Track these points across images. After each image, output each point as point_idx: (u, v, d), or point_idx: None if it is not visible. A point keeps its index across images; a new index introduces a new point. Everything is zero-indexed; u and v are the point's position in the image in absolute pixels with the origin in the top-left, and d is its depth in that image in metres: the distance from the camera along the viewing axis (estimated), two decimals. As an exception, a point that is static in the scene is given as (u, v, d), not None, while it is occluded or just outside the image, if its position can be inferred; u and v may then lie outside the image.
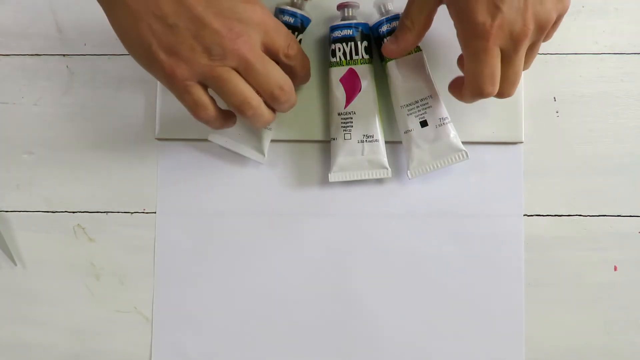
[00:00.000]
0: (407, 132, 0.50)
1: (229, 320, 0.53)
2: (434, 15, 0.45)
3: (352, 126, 0.50)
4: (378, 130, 0.50)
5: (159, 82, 0.54)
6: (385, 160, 0.51)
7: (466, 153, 0.50)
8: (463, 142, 0.52)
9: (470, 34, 0.41)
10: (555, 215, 0.54)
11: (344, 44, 0.50)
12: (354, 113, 0.50)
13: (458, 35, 0.43)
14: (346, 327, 0.53)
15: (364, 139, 0.50)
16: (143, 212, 0.54)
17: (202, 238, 0.54)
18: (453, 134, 0.50)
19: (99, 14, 0.55)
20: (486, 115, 0.53)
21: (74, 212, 0.54)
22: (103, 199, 0.54)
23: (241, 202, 0.54)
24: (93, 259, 0.54)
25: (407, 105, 0.50)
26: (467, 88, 0.44)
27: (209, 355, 0.53)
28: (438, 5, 0.44)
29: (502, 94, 0.44)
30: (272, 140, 0.54)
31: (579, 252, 0.53)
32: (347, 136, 0.50)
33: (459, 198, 0.53)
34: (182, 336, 0.53)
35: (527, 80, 0.54)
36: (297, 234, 0.54)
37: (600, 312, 0.53)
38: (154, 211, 0.54)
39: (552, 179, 0.54)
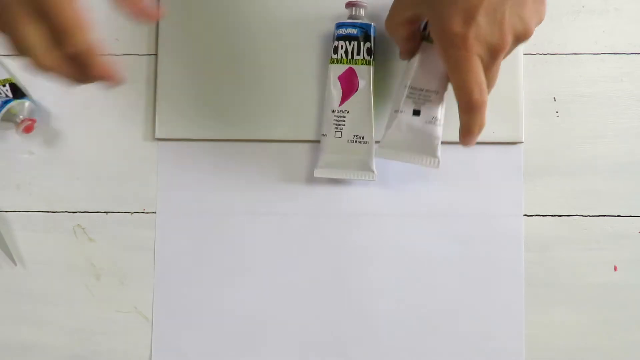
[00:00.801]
0: (396, 111, 0.48)
1: (229, 320, 0.53)
2: (415, 25, 0.45)
3: (344, 125, 0.50)
4: (370, 133, 0.51)
5: (158, 82, 0.54)
6: (372, 163, 0.51)
7: (438, 162, 0.48)
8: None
9: (449, 44, 0.41)
10: (555, 215, 0.54)
11: (347, 42, 0.50)
12: (348, 112, 0.50)
13: (437, 46, 0.42)
14: (346, 326, 0.53)
15: (354, 139, 0.50)
16: (143, 212, 0.54)
17: (202, 238, 0.54)
18: (437, 137, 0.47)
19: (99, 14, 0.56)
20: (486, 115, 0.52)
21: (74, 212, 0.54)
22: (103, 199, 0.54)
23: (241, 202, 0.54)
24: (93, 259, 0.54)
25: (410, 87, 0.47)
26: (458, 102, 0.43)
27: (208, 355, 0.53)
28: (416, 15, 0.44)
29: None
30: (272, 140, 0.54)
31: (579, 252, 0.53)
32: (338, 134, 0.50)
33: (459, 198, 0.53)
34: (182, 336, 0.53)
35: (527, 80, 0.54)
36: (297, 234, 0.54)
37: (600, 312, 0.53)
38: (154, 211, 0.54)
39: (552, 179, 0.54)
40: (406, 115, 0.47)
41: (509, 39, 0.40)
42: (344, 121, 0.50)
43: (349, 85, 0.50)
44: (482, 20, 0.39)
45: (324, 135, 0.51)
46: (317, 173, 0.51)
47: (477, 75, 0.41)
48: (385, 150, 0.48)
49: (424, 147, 0.48)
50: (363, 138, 0.50)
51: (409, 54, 0.47)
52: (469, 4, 0.39)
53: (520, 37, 0.41)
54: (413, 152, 0.48)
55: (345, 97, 0.50)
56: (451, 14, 0.40)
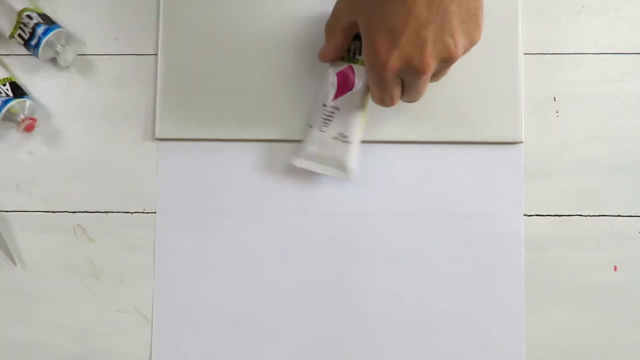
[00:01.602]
0: (310, 126, 0.51)
1: (228, 321, 0.53)
2: (352, 32, 0.47)
3: (331, 121, 0.50)
4: (355, 133, 0.50)
5: (158, 82, 0.54)
6: (351, 164, 0.51)
7: (350, 175, 0.51)
8: (463, 142, 0.52)
9: (371, 65, 0.43)
10: (555, 215, 0.54)
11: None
12: (338, 109, 0.50)
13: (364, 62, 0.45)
14: (346, 327, 0.53)
15: (339, 137, 0.50)
16: (143, 212, 0.54)
17: (202, 238, 0.54)
18: (343, 152, 0.50)
19: (99, 14, 0.56)
20: (486, 115, 0.53)
21: (74, 212, 0.54)
22: (103, 199, 0.54)
23: (241, 202, 0.54)
24: (93, 259, 0.54)
25: (323, 105, 0.51)
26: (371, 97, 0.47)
27: (208, 355, 0.53)
28: (352, 22, 0.45)
29: (408, 102, 0.47)
30: (273, 140, 0.54)
31: (579, 252, 0.53)
32: (325, 129, 0.50)
33: (459, 198, 0.53)
34: (182, 336, 0.53)
35: (527, 80, 0.54)
36: (296, 234, 0.54)
37: (600, 312, 0.53)
38: (154, 211, 0.54)
39: (552, 179, 0.54)
40: (316, 131, 0.51)
41: (431, 62, 0.41)
42: (333, 117, 0.50)
43: (345, 82, 0.50)
44: (405, 44, 0.41)
45: (310, 126, 0.51)
46: (296, 162, 0.52)
47: (391, 93, 0.44)
48: (301, 160, 0.51)
49: (333, 161, 0.51)
50: (347, 137, 0.50)
51: (331, 58, 0.50)
52: (394, 27, 0.40)
53: (446, 60, 0.42)
54: (325, 164, 0.51)
55: (339, 93, 0.50)
56: (377, 35, 0.41)
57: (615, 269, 0.53)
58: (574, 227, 0.53)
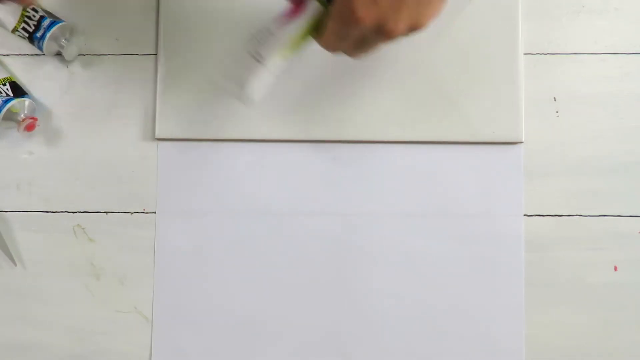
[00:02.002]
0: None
1: (228, 320, 0.53)
2: None
3: (260, 42, 0.46)
4: (269, 56, 0.45)
5: (158, 82, 0.54)
6: (252, 84, 0.45)
7: (247, 98, 0.45)
8: (463, 142, 0.52)
9: (342, 18, 0.41)
10: (555, 215, 0.54)
11: None
12: (270, 31, 0.46)
13: (333, 9, 0.42)
14: (345, 326, 0.53)
15: (255, 54, 0.46)
16: (143, 212, 0.54)
17: (202, 238, 0.54)
18: (253, 72, 0.45)
19: (99, 14, 0.56)
20: (486, 115, 0.53)
21: (74, 212, 0.54)
22: (103, 199, 0.54)
23: (241, 202, 0.54)
24: (93, 259, 0.54)
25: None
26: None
27: (208, 355, 0.53)
28: None
29: (351, 56, 0.45)
30: (272, 140, 0.54)
31: (579, 252, 0.53)
32: (250, 48, 0.46)
33: (459, 198, 0.53)
34: (182, 336, 0.53)
35: (527, 80, 0.54)
36: (296, 234, 0.54)
37: (600, 312, 0.53)
38: (154, 211, 0.54)
39: (552, 179, 0.54)
40: (248, 55, 0.46)
41: (402, 28, 0.41)
42: (264, 39, 0.46)
43: (290, 11, 0.46)
44: (384, 6, 0.40)
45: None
46: (223, 81, 0.48)
47: (343, 43, 0.43)
48: (225, 81, 0.48)
49: (239, 77, 0.46)
50: (260, 56, 0.45)
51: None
52: None
53: (413, 29, 0.42)
54: (232, 82, 0.46)
55: (279, 18, 0.46)
56: None
57: (615, 269, 0.53)
58: (574, 227, 0.53)
